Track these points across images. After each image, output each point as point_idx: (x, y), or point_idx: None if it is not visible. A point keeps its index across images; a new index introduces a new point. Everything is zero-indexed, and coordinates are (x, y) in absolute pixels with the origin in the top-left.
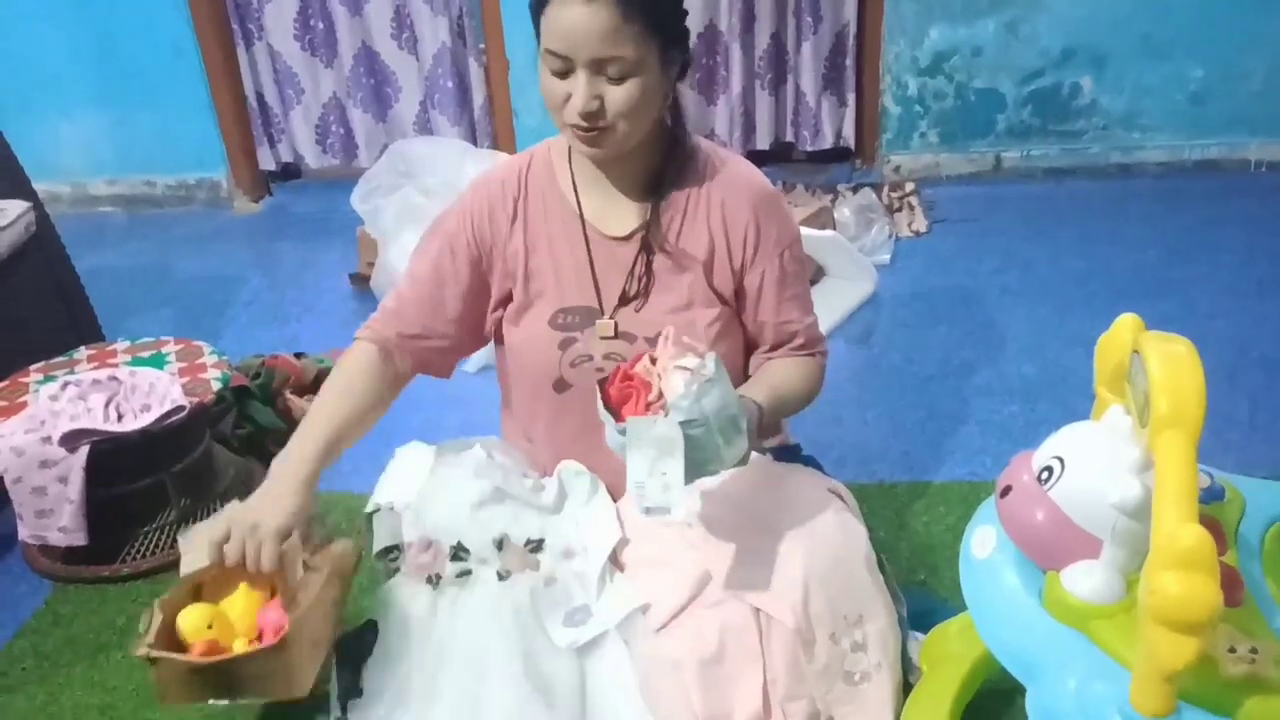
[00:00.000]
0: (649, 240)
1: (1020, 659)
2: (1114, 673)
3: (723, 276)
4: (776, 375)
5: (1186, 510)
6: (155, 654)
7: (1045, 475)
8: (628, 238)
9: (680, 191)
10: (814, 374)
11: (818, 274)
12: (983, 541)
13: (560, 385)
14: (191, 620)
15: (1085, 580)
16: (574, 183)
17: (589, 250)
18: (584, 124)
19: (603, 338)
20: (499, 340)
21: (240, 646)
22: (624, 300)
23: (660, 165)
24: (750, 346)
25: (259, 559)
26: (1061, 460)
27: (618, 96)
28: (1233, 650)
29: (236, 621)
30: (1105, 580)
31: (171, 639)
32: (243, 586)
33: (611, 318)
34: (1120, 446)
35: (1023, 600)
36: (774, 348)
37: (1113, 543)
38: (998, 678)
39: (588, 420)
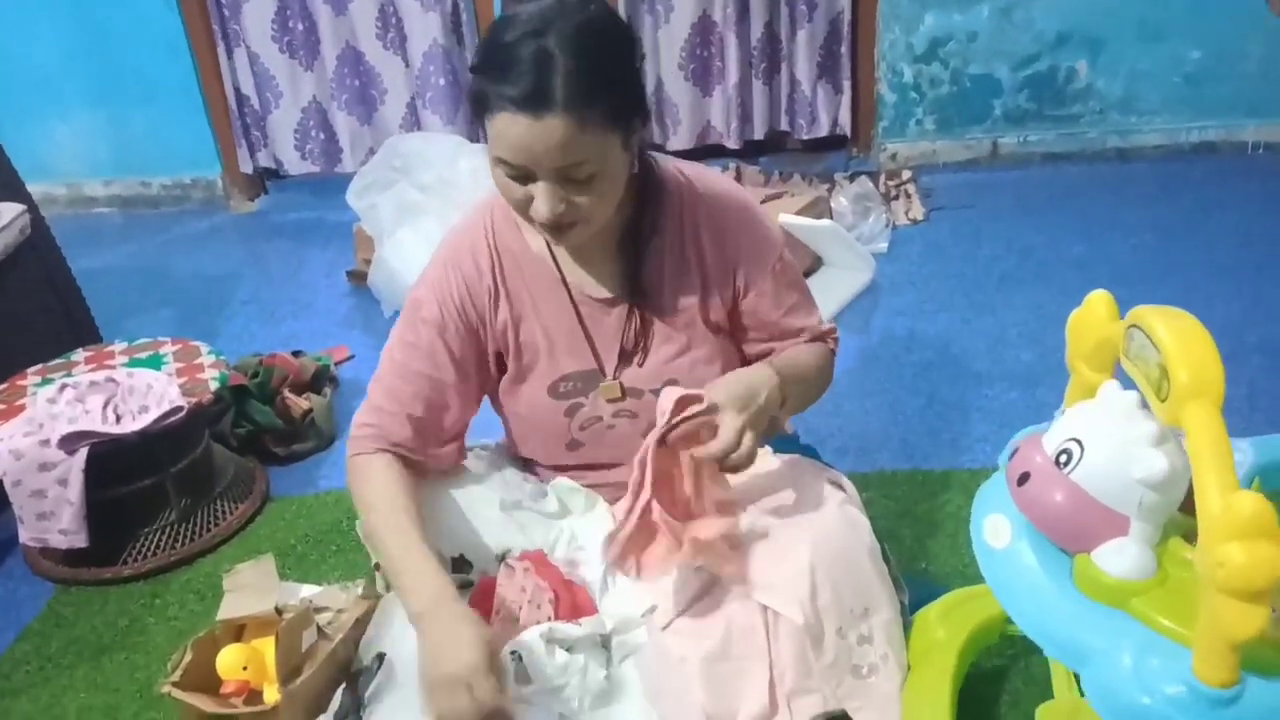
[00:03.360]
0: (635, 300)
1: (1065, 645)
2: (1165, 647)
3: (717, 310)
4: (791, 356)
5: (1229, 479)
6: (174, 695)
7: (1064, 459)
8: (615, 298)
9: (659, 235)
10: (824, 358)
11: (815, 263)
12: (996, 530)
13: (573, 445)
14: (228, 660)
15: (1119, 559)
16: (549, 246)
17: (578, 314)
18: (554, 227)
19: (609, 400)
20: (497, 407)
21: (270, 691)
22: (623, 359)
23: (635, 214)
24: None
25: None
26: (1080, 442)
27: (587, 199)
28: (1275, 610)
29: (271, 665)
30: (1139, 556)
31: (201, 676)
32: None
33: (615, 378)
34: (1135, 422)
35: (1057, 586)
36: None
37: (1139, 518)
38: (982, 659)
39: (609, 460)
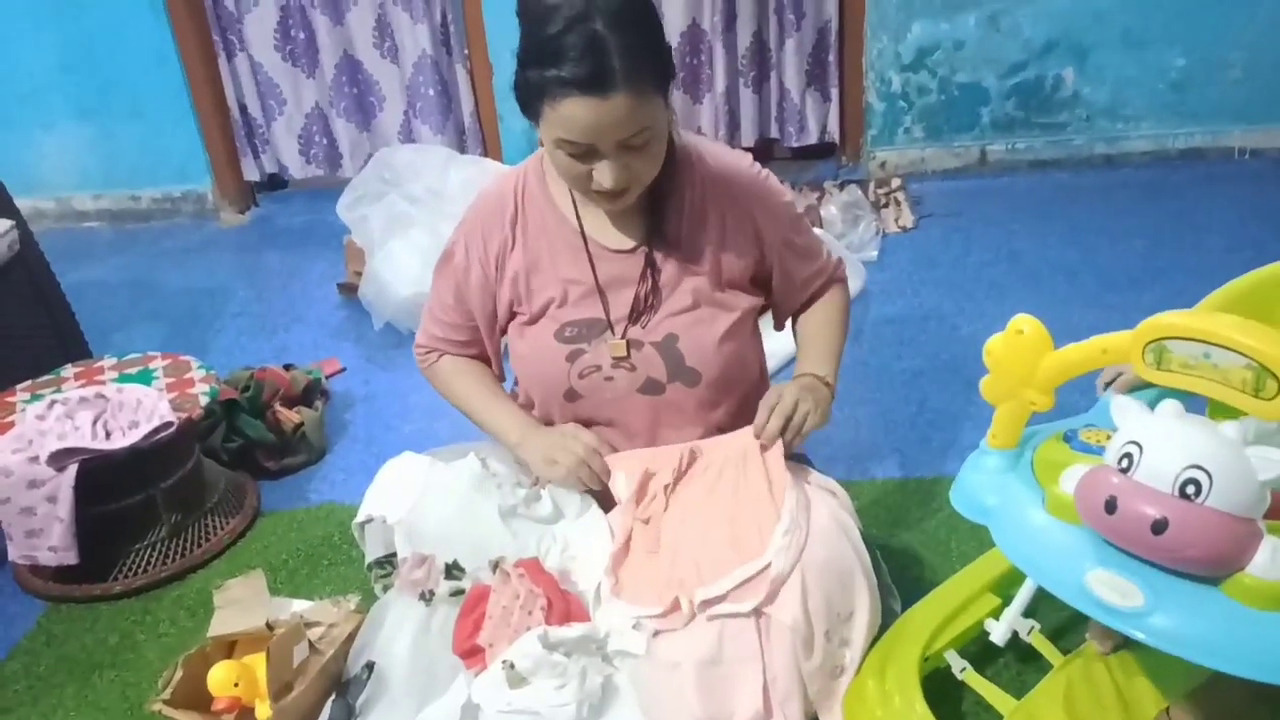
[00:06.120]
0: (653, 252)
1: None
2: None
3: (735, 270)
4: (820, 336)
5: None
6: (165, 712)
7: (1192, 490)
8: (633, 250)
9: (676, 194)
10: (841, 299)
11: None
12: (1122, 592)
13: (570, 395)
14: (219, 676)
15: (1276, 563)
16: (573, 199)
17: (592, 265)
18: (614, 194)
19: (615, 357)
20: (503, 354)
21: (262, 707)
22: (634, 316)
23: (656, 175)
24: (781, 309)
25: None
26: (1205, 470)
27: (643, 161)
28: None
29: (263, 681)
30: None
31: (192, 693)
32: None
33: (623, 337)
34: (1221, 429)
35: (1249, 619)
36: (806, 303)
37: (1262, 516)
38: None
39: (601, 425)
